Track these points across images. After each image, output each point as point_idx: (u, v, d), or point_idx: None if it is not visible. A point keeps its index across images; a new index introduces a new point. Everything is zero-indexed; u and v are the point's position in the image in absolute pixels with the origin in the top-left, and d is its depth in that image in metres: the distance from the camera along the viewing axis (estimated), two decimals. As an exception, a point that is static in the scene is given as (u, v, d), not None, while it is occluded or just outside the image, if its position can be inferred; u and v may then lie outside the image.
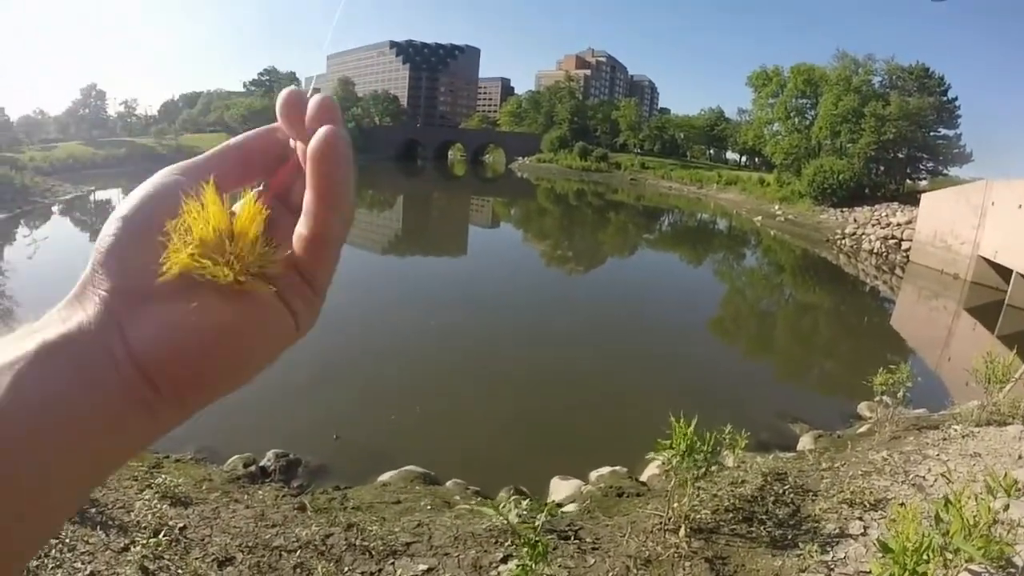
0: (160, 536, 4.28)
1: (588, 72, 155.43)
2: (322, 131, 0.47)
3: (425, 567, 4.43)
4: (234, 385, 0.47)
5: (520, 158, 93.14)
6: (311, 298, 0.52)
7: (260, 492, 5.99)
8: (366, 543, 4.65)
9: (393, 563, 4.45)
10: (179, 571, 4.02)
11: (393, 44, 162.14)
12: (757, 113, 61.48)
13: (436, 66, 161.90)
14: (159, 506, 4.76)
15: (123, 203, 0.47)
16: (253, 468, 6.97)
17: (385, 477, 7.06)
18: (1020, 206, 23.66)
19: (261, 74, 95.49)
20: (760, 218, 49.03)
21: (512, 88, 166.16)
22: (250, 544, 4.47)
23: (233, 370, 0.46)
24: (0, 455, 0.36)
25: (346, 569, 4.32)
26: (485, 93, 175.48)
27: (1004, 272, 23.63)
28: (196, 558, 4.18)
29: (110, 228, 0.45)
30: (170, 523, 4.57)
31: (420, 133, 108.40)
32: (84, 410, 0.39)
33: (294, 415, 9.02)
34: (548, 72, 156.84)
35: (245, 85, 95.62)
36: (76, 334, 0.41)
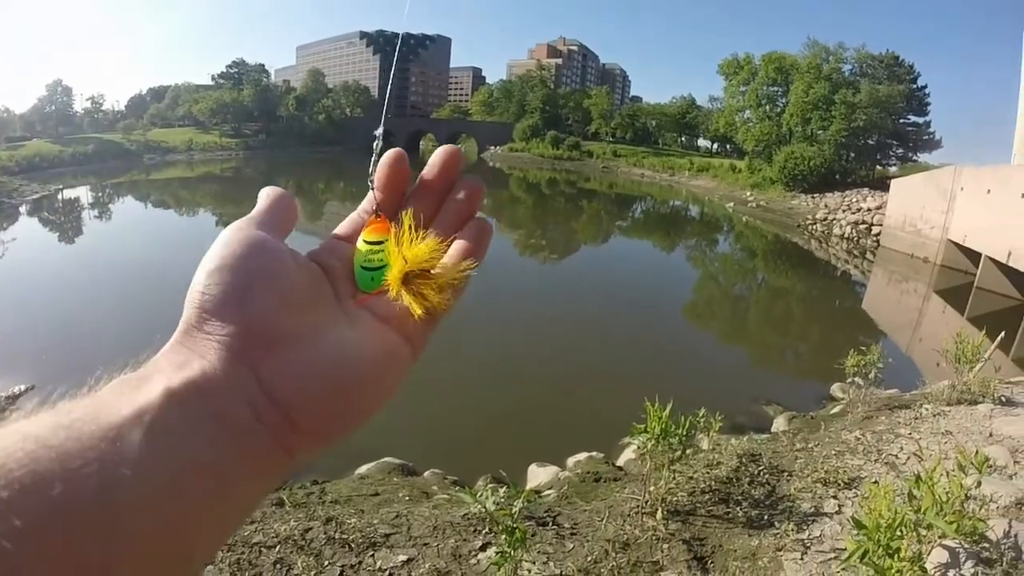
0: None
1: (560, 61, 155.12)
2: (472, 183, 0.60)
3: (405, 558, 4.42)
4: (369, 417, 0.48)
5: (492, 147, 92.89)
6: (425, 328, 0.57)
7: None
8: (345, 536, 4.63)
9: (373, 555, 4.44)
10: None
11: (363, 35, 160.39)
12: (728, 101, 61.97)
13: (406, 56, 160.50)
14: None
15: (216, 254, 0.48)
16: (229, 464, 6.88)
17: (363, 470, 7.04)
18: (988, 191, 24.14)
19: (229, 67, 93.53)
20: (732, 204, 49.49)
21: (484, 78, 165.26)
22: (229, 541, 4.43)
23: (372, 402, 0.48)
24: (143, 516, 0.32)
25: (326, 563, 4.30)
26: (456, 83, 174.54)
27: (973, 255, 24.11)
28: None
29: (216, 276, 0.45)
30: None
31: (391, 124, 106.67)
32: (229, 461, 0.38)
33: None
34: (519, 61, 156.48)
35: (213, 78, 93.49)
36: (203, 381, 0.39)
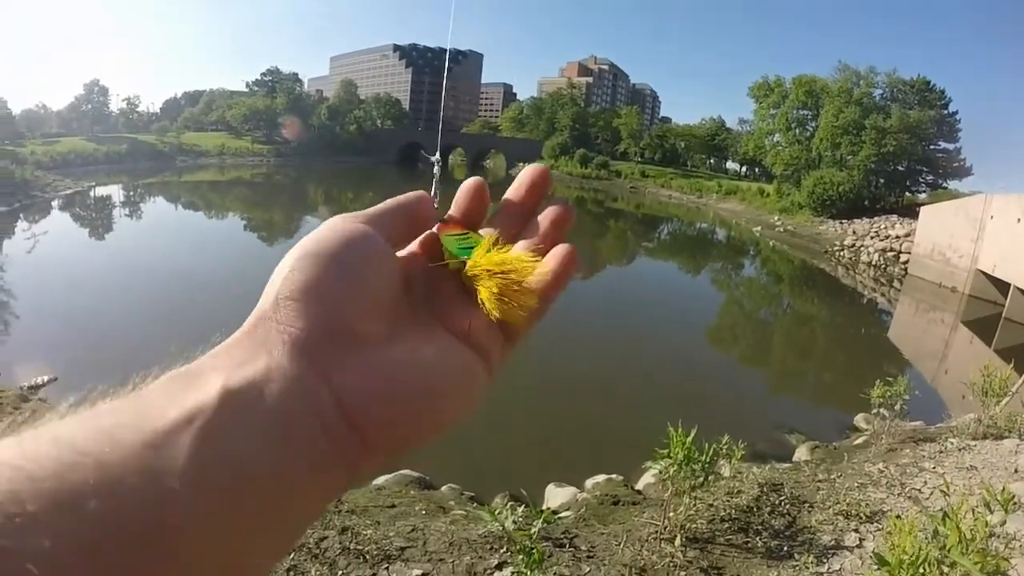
0: None
1: (590, 79, 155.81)
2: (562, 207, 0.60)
3: (419, 572, 4.41)
4: (439, 434, 0.44)
5: (521, 164, 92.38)
6: (505, 347, 0.55)
7: None
8: (360, 547, 4.63)
9: (387, 567, 4.43)
10: None
11: (396, 47, 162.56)
12: (758, 124, 61.57)
13: (439, 70, 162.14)
14: None
15: (310, 241, 0.43)
16: (247, 470, 6.93)
17: (380, 481, 7.03)
18: (1019, 220, 23.69)
19: (264, 74, 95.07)
20: (759, 228, 49.10)
21: (514, 94, 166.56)
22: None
23: (445, 420, 0.44)
24: (192, 534, 0.28)
25: (340, 573, 4.30)
26: (487, 98, 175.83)
27: (1002, 286, 23.67)
28: None
29: (305, 263, 0.41)
30: None
31: (421, 137, 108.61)
32: (289, 471, 0.34)
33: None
34: (550, 79, 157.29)
35: (248, 85, 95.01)
36: (265, 381, 0.35)
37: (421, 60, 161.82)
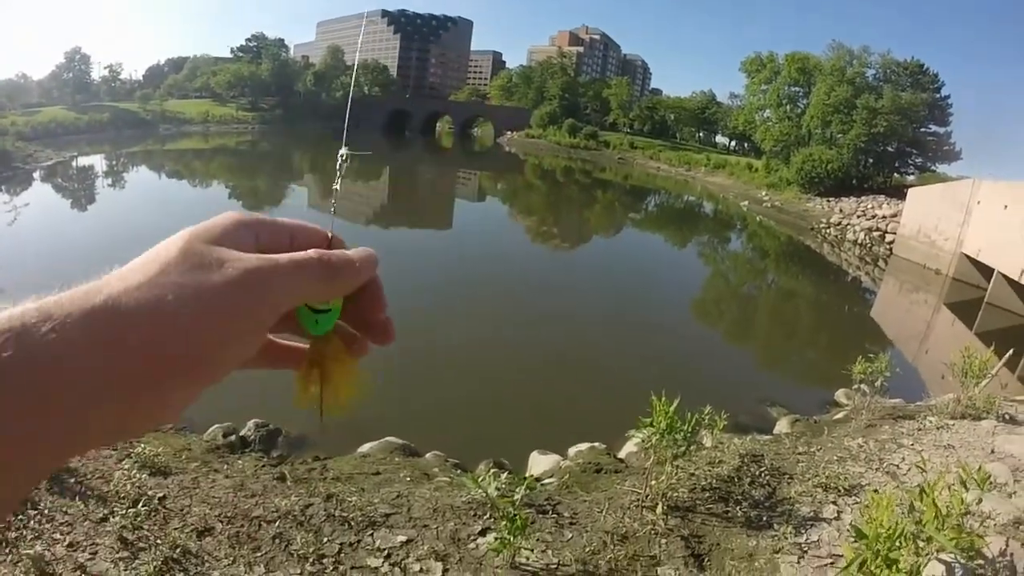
0: (139, 506, 4.25)
1: (581, 49, 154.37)
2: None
3: (404, 538, 4.45)
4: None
5: (509, 132, 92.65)
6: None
7: (240, 462, 5.97)
8: (345, 514, 4.66)
9: (372, 534, 4.47)
10: (158, 541, 3.99)
11: (385, 13, 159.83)
12: (749, 99, 61.45)
13: (428, 37, 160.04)
14: (138, 476, 4.71)
15: (198, 228, 0.54)
16: (233, 438, 6.95)
17: (365, 448, 7.07)
18: (1006, 207, 23.93)
19: (249, 40, 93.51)
20: (747, 203, 49.23)
21: (504, 62, 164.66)
22: (229, 514, 4.45)
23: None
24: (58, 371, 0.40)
25: (325, 540, 4.32)
26: (476, 66, 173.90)
27: (986, 270, 23.93)
28: (175, 528, 4.16)
29: (212, 223, 0.55)
30: (149, 493, 4.52)
31: (409, 104, 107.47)
32: (101, 379, 0.42)
33: (274, 386, 8.94)
34: (541, 47, 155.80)
35: (232, 51, 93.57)
36: (114, 303, 0.45)
37: (410, 27, 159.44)
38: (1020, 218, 22.14)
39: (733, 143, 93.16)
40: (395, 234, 25.19)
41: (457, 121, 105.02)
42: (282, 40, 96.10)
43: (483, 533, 4.58)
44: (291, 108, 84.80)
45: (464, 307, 14.65)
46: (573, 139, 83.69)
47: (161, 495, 4.59)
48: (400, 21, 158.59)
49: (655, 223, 40.57)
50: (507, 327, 13.52)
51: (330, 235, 0.62)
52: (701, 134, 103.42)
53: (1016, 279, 20.85)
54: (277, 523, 4.42)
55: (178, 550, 3.95)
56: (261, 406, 7.86)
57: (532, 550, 4.37)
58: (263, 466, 5.95)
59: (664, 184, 62.33)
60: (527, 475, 5.41)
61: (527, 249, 25.16)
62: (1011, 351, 10.94)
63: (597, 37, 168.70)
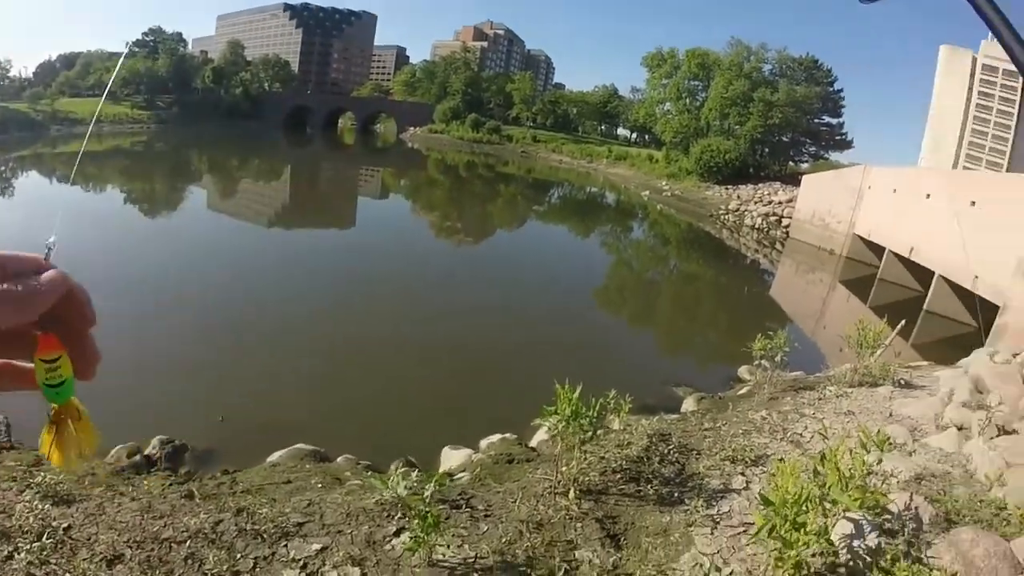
0: (44, 539, 3.97)
1: (485, 44, 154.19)
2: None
3: (319, 546, 4.33)
4: None
5: (412, 128, 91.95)
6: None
7: (146, 482, 5.66)
8: (257, 527, 4.48)
9: (286, 545, 4.32)
10: (67, 575, 3.76)
11: (287, 7, 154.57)
12: (650, 92, 63.24)
13: (330, 31, 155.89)
14: (41, 507, 4.39)
15: None
16: (138, 457, 6.62)
17: (274, 457, 6.85)
18: (894, 191, 25.69)
19: (146, 34, 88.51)
20: (648, 193, 50.68)
21: (407, 57, 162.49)
22: (138, 539, 4.21)
23: None
24: None
25: (239, 556, 4.15)
26: (379, 61, 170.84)
27: (877, 249, 25.61)
28: (84, 559, 3.90)
29: None
30: (54, 524, 4.23)
31: (310, 100, 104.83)
32: None
33: (178, 399, 8.58)
34: (445, 42, 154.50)
35: (128, 45, 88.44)
36: None
37: (312, 20, 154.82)
38: (908, 200, 23.78)
39: (634, 135, 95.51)
40: (297, 235, 24.56)
41: (359, 117, 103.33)
42: (180, 34, 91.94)
43: (397, 534, 4.51)
44: (188, 106, 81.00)
45: (368, 306, 14.41)
46: (476, 134, 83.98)
47: (66, 525, 4.30)
48: (302, 15, 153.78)
49: (558, 215, 41.18)
50: (413, 324, 13.38)
51: (44, 259, 0.69)
52: (603, 127, 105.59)
53: (906, 256, 22.37)
54: (188, 543, 4.21)
55: (89, 583, 3.73)
56: (165, 422, 7.52)
57: (448, 546, 4.33)
58: (170, 485, 5.68)
59: (567, 176, 63.37)
60: (439, 471, 5.39)
61: (431, 245, 25.03)
62: (903, 322, 11.71)
63: (501, 32, 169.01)
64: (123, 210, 25.04)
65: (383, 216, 32.55)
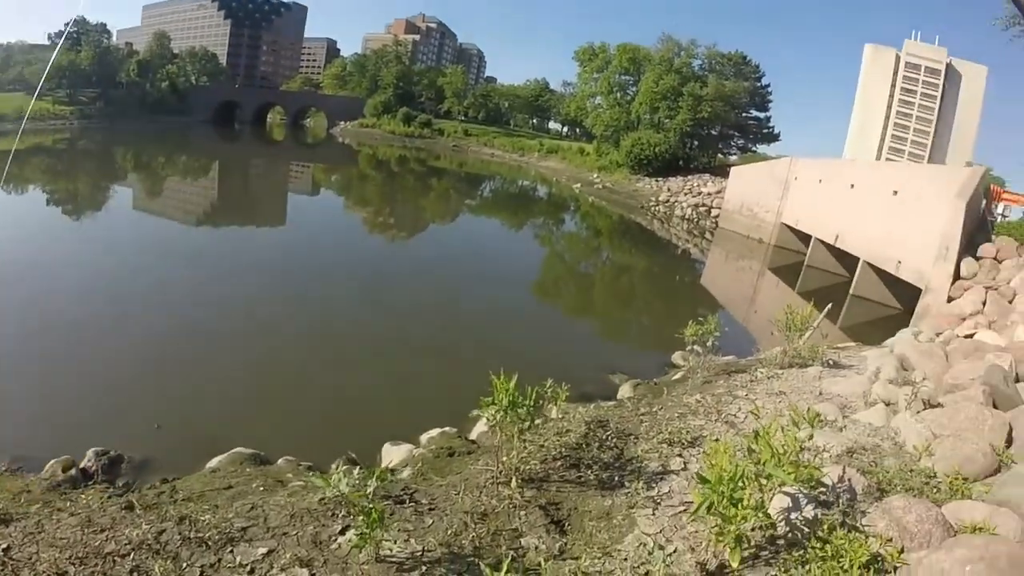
0: None
1: (417, 37, 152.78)
2: None
3: (264, 550, 4.29)
4: None
5: (342, 123, 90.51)
6: None
7: (84, 497, 5.47)
8: (201, 534, 4.41)
9: (232, 551, 4.26)
10: None
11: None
12: (581, 87, 64.04)
13: (260, 23, 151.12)
14: None
15: None
16: (74, 471, 6.42)
17: (213, 463, 6.73)
18: (820, 181, 26.86)
19: (68, 25, 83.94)
20: (579, 185, 51.34)
21: (338, 50, 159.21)
22: (81, 555, 4.07)
23: None
24: None
25: (184, 565, 4.07)
26: (309, 54, 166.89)
27: (804, 237, 26.68)
28: None
29: None
30: None
31: (239, 94, 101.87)
32: None
33: (110, 409, 8.32)
34: (376, 35, 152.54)
35: (50, 37, 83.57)
36: None
37: (241, 11, 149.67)
38: (833, 190, 24.85)
39: (566, 129, 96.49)
40: (226, 234, 23.91)
41: (289, 111, 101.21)
42: (104, 25, 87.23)
43: (343, 532, 4.51)
44: (113, 101, 77.23)
45: (300, 305, 14.14)
46: (408, 128, 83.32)
47: (5, 546, 4.15)
48: (231, 6, 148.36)
49: (491, 208, 41.28)
50: (346, 322, 13.27)
51: None
52: (535, 121, 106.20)
53: (832, 243, 23.40)
54: (132, 555, 4.10)
55: (35, 604, 3.62)
56: (99, 433, 7.29)
57: (395, 541, 4.38)
58: (109, 497, 5.50)
59: (499, 170, 63.50)
60: (381, 468, 5.41)
61: (363, 241, 24.78)
62: (830, 305, 12.26)
63: (434, 26, 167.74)
64: (44, 212, 23.77)
65: (314, 213, 31.99)
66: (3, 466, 6.46)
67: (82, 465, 6.64)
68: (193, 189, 35.64)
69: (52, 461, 6.51)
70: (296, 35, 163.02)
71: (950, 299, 14.80)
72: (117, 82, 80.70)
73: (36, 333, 10.37)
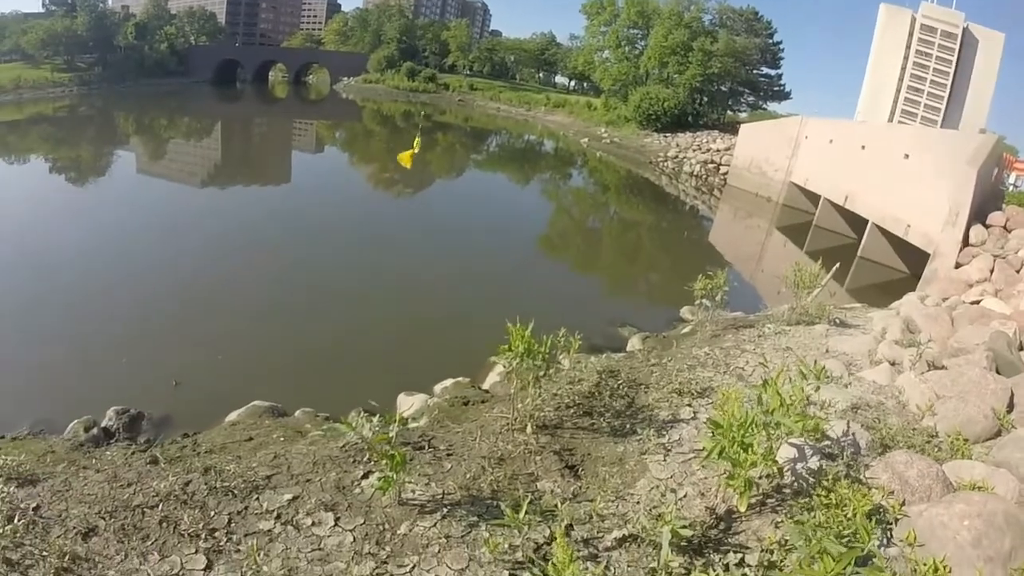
0: (15, 521, 3.92)
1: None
2: None
3: (290, 496, 4.41)
4: None
5: (345, 79, 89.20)
6: None
7: (108, 454, 5.59)
8: (227, 483, 4.52)
9: (257, 498, 4.37)
10: (44, 554, 3.71)
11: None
12: (589, 40, 62.74)
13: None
14: (5, 489, 4.30)
15: None
16: (95, 431, 6.57)
17: (232, 416, 6.89)
18: (830, 141, 26.52)
19: None
20: (586, 140, 50.77)
21: (339, 5, 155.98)
22: (110, 509, 4.17)
23: None
24: None
25: (212, 513, 4.18)
26: (310, 10, 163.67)
27: (813, 197, 26.47)
28: (58, 536, 3.85)
29: None
30: (22, 506, 4.16)
31: (239, 53, 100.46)
32: None
33: (128, 368, 8.47)
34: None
35: (44, 5, 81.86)
36: None
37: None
38: (844, 151, 24.55)
39: (572, 83, 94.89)
40: (232, 193, 23.91)
41: (291, 69, 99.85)
42: None
43: (366, 476, 4.65)
44: (112, 65, 76.10)
45: (312, 261, 14.30)
46: (412, 83, 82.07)
47: (35, 505, 4.23)
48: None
49: (497, 163, 41.05)
50: (356, 276, 13.39)
51: None
52: (541, 75, 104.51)
53: (841, 204, 23.22)
54: (160, 507, 4.22)
55: (67, 558, 3.69)
56: (118, 392, 7.46)
57: (416, 484, 4.53)
58: (133, 453, 5.62)
59: (504, 124, 62.83)
60: (399, 415, 5.52)
61: (370, 197, 24.77)
62: (837, 265, 12.27)
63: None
64: (51, 180, 23.79)
65: (320, 170, 31.94)
66: (26, 429, 6.64)
67: (103, 424, 6.82)
68: (196, 150, 35.49)
69: (74, 421, 6.69)
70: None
71: (958, 265, 14.73)
72: (115, 46, 79.41)
73: (49, 298, 10.52)
